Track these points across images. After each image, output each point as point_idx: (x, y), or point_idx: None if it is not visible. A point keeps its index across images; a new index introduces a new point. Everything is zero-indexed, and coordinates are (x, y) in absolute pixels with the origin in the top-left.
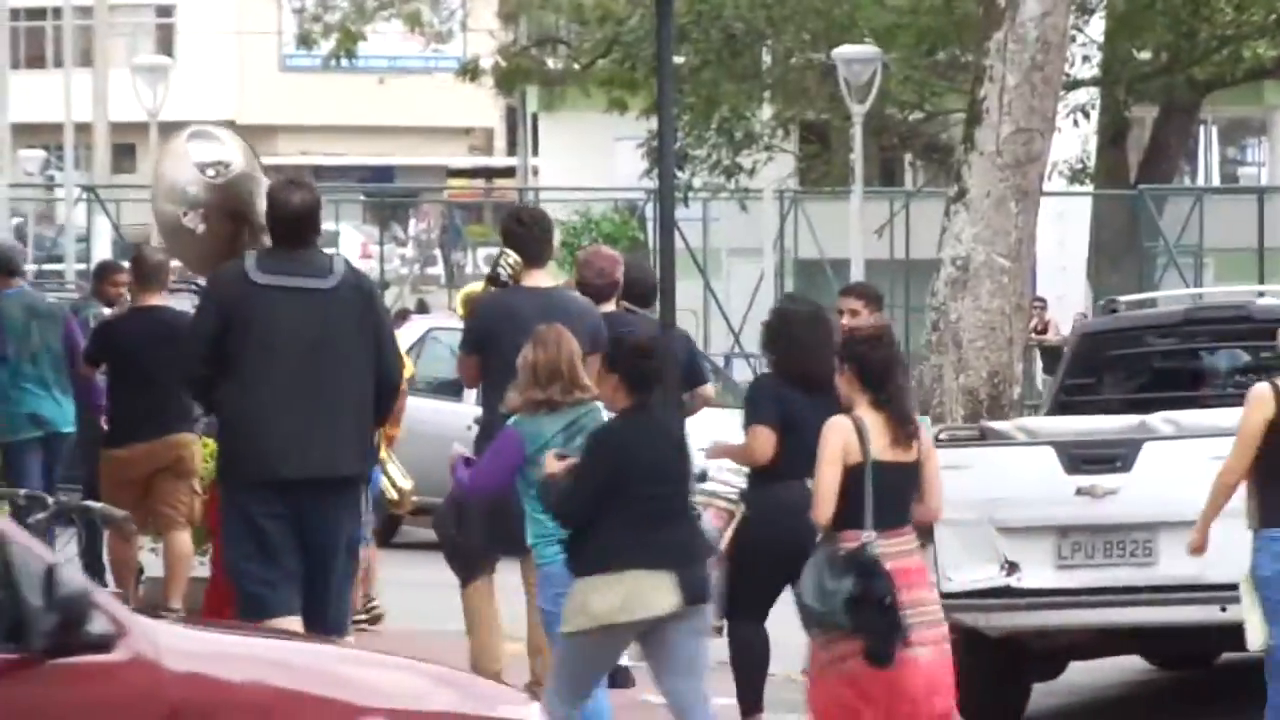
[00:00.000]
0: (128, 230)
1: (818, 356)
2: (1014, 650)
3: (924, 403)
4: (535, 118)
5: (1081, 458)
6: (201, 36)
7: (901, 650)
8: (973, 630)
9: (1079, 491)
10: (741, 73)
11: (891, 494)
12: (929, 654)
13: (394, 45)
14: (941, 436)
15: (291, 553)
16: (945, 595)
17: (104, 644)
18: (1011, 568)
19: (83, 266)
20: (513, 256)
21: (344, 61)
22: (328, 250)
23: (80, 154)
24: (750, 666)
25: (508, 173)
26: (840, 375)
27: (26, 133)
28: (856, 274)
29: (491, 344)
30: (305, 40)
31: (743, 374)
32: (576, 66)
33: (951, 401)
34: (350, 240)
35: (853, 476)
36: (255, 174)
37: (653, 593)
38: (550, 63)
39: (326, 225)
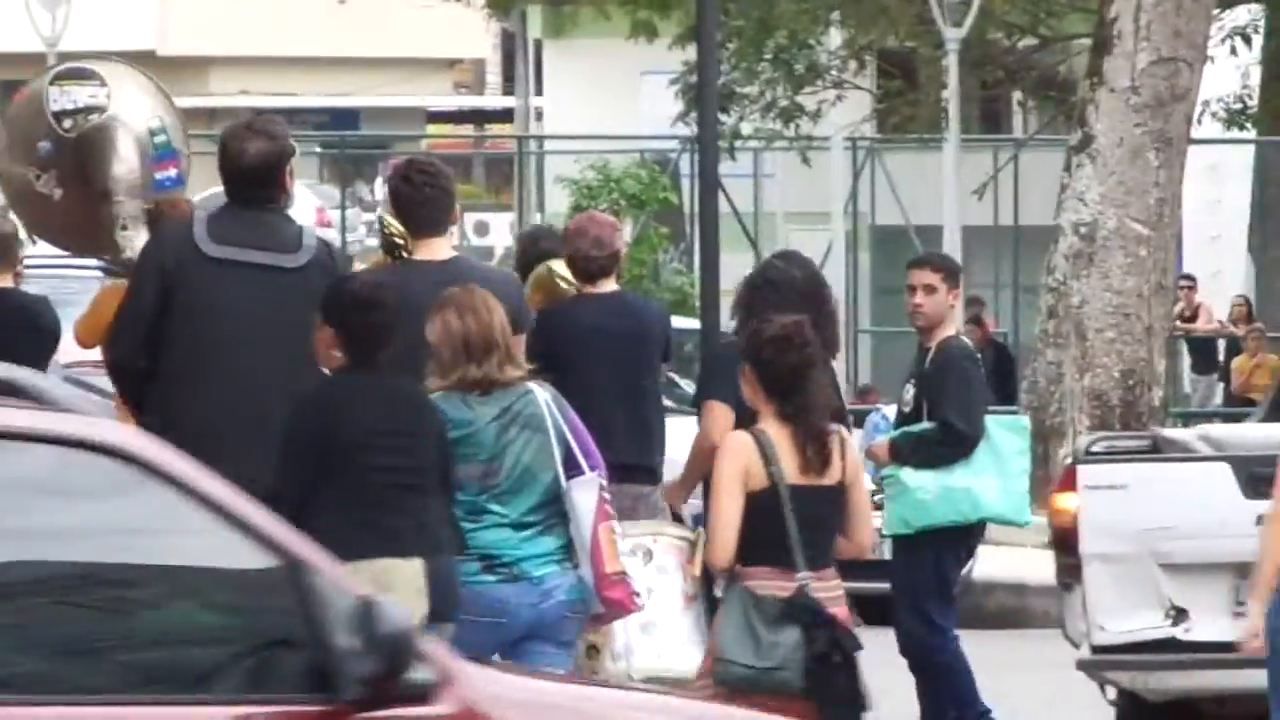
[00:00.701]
0: None
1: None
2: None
3: (1038, 409)
4: (539, 46)
5: (1263, 477)
6: None
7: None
8: (1130, 695)
9: (1261, 520)
10: None
11: (813, 524)
12: None
13: None
14: (1097, 449)
15: None
16: (1098, 649)
17: (426, 694)
18: (1179, 615)
19: None
20: (395, 226)
21: None
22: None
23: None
24: None
25: (503, 117)
26: (742, 377)
27: None
28: (950, 244)
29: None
30: None
31: None
32: None
33: (1073, 408)
34: (304, 203)
35: (760, 504)
36: (117, 125)
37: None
38: None
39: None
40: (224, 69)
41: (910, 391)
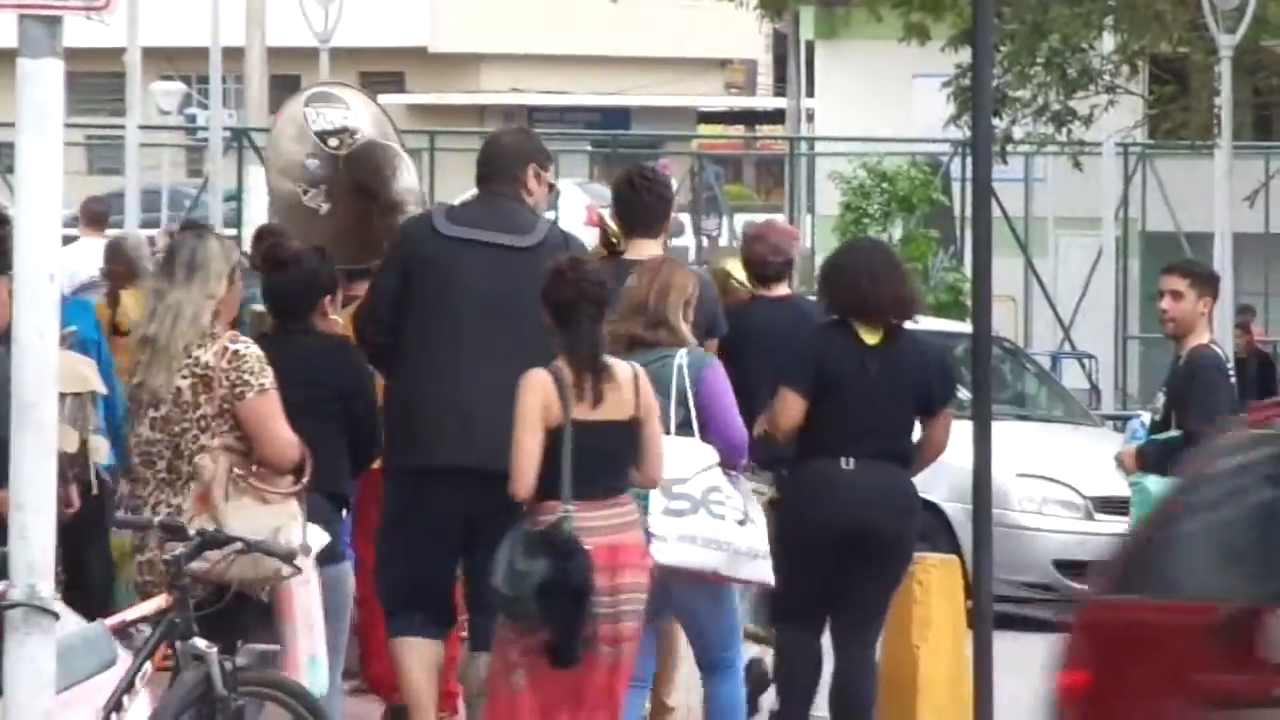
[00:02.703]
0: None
1: (868, 286)
2: None
3: None
4: (810, 48)
5: None
6: None
7: (597, 643)
8: None
9: None
10: None
11: (599, 458)
12: (612, 655)
13: None
14: None
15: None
16: None
17: None
18: None
19: (231, 232)
20: (613, 225)
21: None
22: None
23: (230, 88)
24: (790, 688)
25: (775, 117)
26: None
27: (161, 60)
28: (1220, 251)
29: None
30: None
31: (1075, 378)
32: None
33: None
34: (573, 201)
35: (554, 440)
36: (388, 142)
37: None
38: None
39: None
40: (495, 66)
41: (1161, 399)
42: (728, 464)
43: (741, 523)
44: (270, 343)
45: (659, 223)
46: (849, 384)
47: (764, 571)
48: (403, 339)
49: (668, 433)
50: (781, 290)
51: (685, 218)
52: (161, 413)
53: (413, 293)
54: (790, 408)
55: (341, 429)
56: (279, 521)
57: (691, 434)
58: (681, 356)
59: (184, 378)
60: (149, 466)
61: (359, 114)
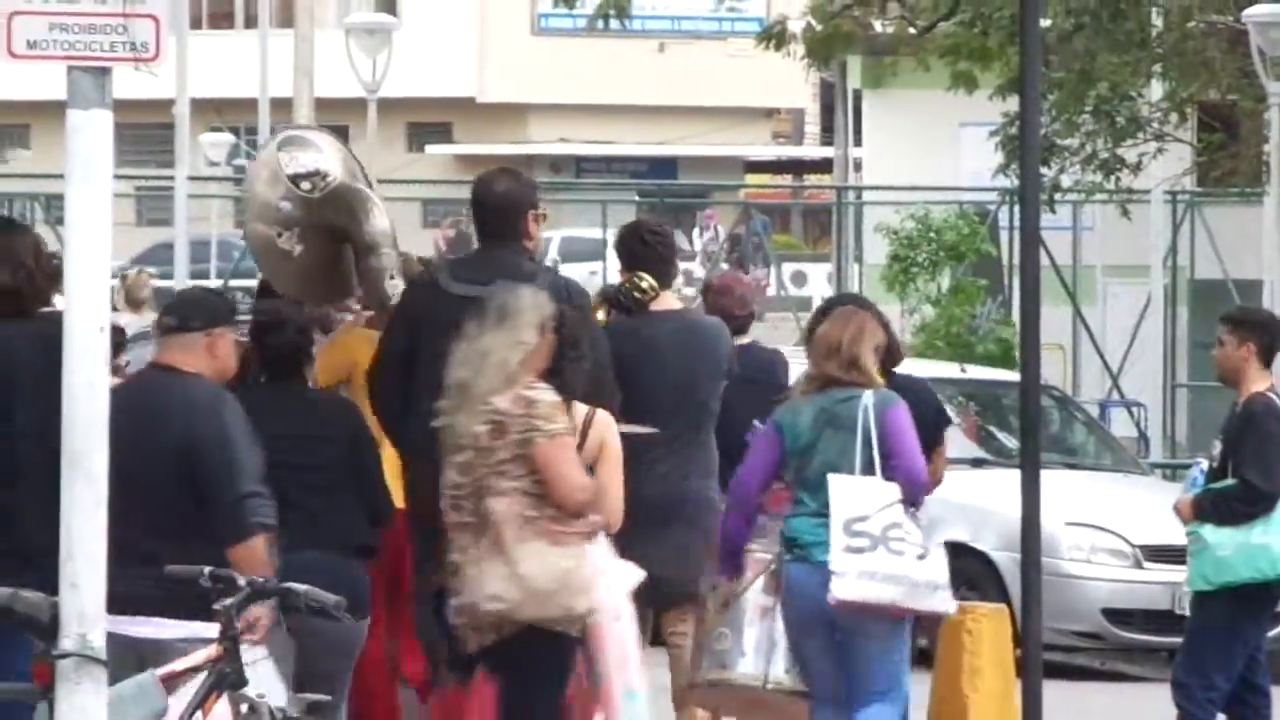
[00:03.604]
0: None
1: None
2: None
3: None
4: (858, 97)
5: None
6: None
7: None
8: None
9: None
10: (1125, 39)
11: None
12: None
13: (677, 3)
14: None
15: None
16: None
17: None
18: None
19: None
20: (647, 280)
21: (614, 23)
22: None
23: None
24: None
25: (822, 167)
26: None
27: (210, 111)
28: (1270, 298)
29: (629, 378)
30: None
31: (1123, 426)
32: (912, 30)
33: None
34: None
35: None
36: (358, 185)
37: None
38: (878, 25)
39: (592, 232)
40: (543, 116)
41: (1218, 447)
42: (909, 500)
43: (921, 557)
44: (267, 396)
45: (672, 273)
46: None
47: (945, 602)
48: (414, 399)
49: (848, 469)
50: (744, 341)
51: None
52: (465, 458)
53: (422, 352)
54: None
55: (351, 481)
56: (570, 563)
57: (874, 472)
58: (868, 397)
59: (482, 423)
60: (457, 511)
61: (330, 157)
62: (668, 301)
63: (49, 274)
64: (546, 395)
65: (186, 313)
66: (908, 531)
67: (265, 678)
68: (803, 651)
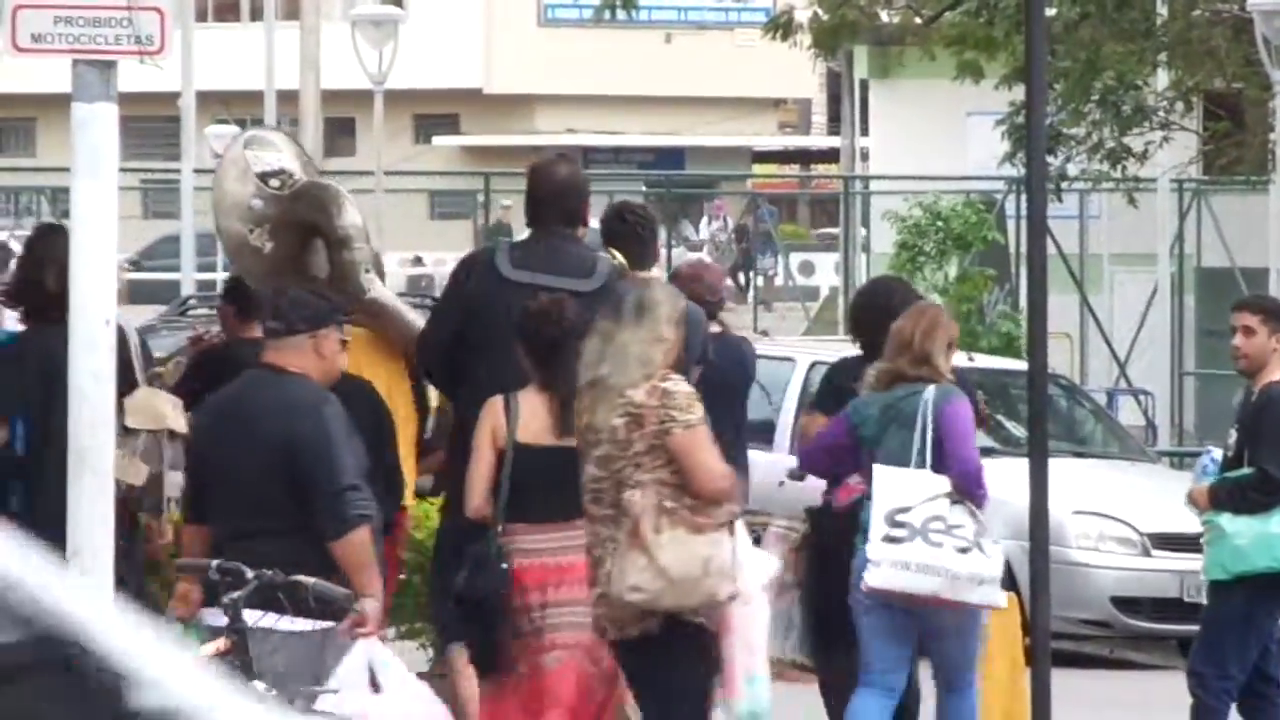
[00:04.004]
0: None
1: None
2: None
3: None
4: (865, 87)
5: None
6: None
7: (530, 655)
8: None
9: None
10: (1131, 28)
11: (545, 482)
12: (558, 660)
13: None
14: None
15: None
16: None
17: None
18: None
19: None
20: (618, 258)
21: (621, 14)
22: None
23: (285, 131)
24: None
25: (829, 157)
26: (516, 348)
27: (216, 103)
28: (1277, 286)
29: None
30: None
31: (1131, 415)
32: (918, 20)
33: None
34: None
35: (501, 462)
36: (326, 181)
37: None
38: (885, 15)
39: (594, 223)
40: (550, 107)
41: (1234, 436)
42: (966, 495)
43: (964, 550)
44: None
45: (651, 256)
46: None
47: (993, 596)
48: (470, 371)
49: (908, 463)
50: (714, 329)
51: (739, 257)
52: (602, 451)
53: (474, 332)
54: (813, 429)
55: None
56: (710, 550)
57: (926, 465)
58: (929, 391)
59: (619, 416)
60: (597, 504)
61: (288, 156)
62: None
63: None
64: (682, 386)
65: (291, 316)
66: (954, 524)
67: (397, 675)
68: (862, 634)
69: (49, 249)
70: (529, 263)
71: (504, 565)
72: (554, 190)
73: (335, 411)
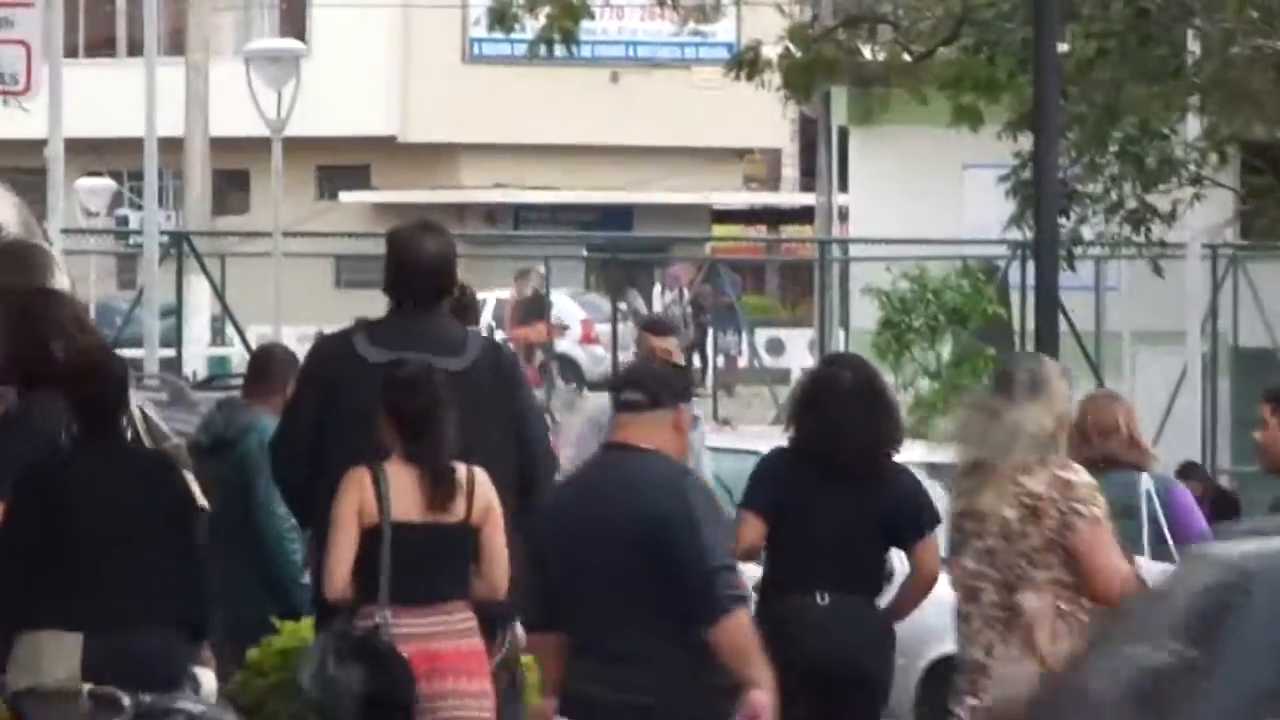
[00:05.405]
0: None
1: (844, 433)
2: None
3: None
4: (844, 135)
5: None
6: (347, 13)
7: None
8: None
9: None
10: (1157, 67)
11: (423, 561)
12: None
13: (633, 26)
14: None
15: None
16: None
17: None
18: None
19: (169, 352)
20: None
21: (560, 49)
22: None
23: (168, 184)
24: None
25: (801, 216)
26: (379, 421)
27: (88, 152)
28: None
29: None
30: (501, 19)
31: None
32: (907, 57)
33: None
34: (567, 315)
35: (373, 540)
36: (36, 241)
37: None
38: (867, 52)
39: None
40: (476, 158)
41: None
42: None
43: None
44: (84, 455)
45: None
46: (809, 514)
47: None
48: (325, 477)
49: (1141, 553)
50: None
51: (695, 332)
52: (988, 544)
53: (332, 420)
54: (748, 530)
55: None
56: None
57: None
58: (1147, 480)
59: (1011, 506)
60: (973, 601)
61: (3, 208)
62: None
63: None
64: (1084, 476)
65: (656, 389)
66: None
67: None
68: None
69: (50, 315)
70: (390, 341)
71: (404, 656)
72: (423, 269)
73: (698, 489)
